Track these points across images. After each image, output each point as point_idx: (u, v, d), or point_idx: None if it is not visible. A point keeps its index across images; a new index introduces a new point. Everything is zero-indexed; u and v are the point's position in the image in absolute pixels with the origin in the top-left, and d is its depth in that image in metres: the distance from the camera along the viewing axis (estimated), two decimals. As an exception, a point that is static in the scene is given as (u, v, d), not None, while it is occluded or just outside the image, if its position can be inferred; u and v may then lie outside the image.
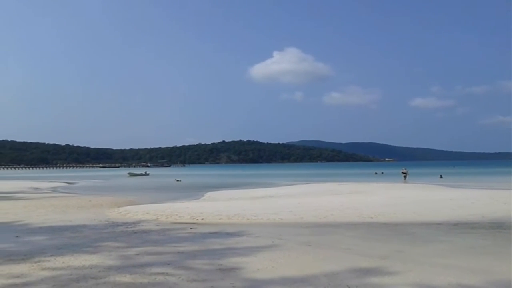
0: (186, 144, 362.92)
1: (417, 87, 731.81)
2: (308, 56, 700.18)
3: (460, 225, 13.60)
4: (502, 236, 11.67)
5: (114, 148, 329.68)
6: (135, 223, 14.64)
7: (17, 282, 6.67)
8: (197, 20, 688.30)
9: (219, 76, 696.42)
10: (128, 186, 47.53)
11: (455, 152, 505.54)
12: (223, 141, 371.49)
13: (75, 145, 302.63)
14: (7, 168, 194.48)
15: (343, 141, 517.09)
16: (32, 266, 7.81)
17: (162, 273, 7.16)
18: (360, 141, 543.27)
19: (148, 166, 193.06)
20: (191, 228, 13.19)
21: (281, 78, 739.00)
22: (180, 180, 57.79)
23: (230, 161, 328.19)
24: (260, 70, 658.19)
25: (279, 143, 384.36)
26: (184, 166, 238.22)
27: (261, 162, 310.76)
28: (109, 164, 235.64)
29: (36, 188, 40.79)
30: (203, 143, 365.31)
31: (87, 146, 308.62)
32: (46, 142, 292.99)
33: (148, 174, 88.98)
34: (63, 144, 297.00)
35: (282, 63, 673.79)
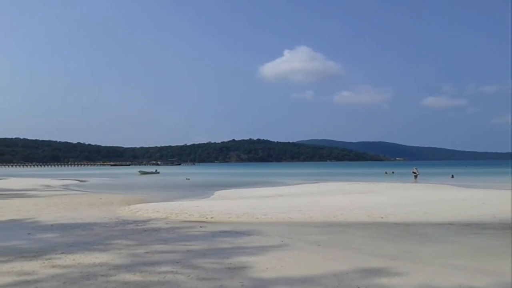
0: (196, 142, 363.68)
1: (428, 86, 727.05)
2: (318, 54, 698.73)
3: (471, 225, 13.48)
4: (514, 237, 11.54)
5: (125, 146, 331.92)
6: (145, 221, 14.71)
7: (29, 279, 6.74)
8: (208, 19, 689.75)
9: (230, 75, 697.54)
10: (138, 184, 47.81)
11: (467, 151, 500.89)
12: (233, 139, 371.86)
13: (86, 143, 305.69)
14: (19, 165, 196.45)
15: (354, 140, 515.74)
16: (43, 263, 7.88)
17: (172, 272, 7.19)
18: (371, 140, 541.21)
19: (158, 165, 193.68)
20: (200, 227, 13.22)
21: (292, 77, 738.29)
22: (189, 179, 58.02)
23: (240, 160, 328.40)
24: (271, 69, 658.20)
25: (289, 142, 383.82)
26: (194, 164, 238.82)
27: (270, 161, 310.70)
28: (120, 162, 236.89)
29: (48, 186, 41.16)
30: (213, 141, 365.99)
31: (98, 144, 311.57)
32: (58, 140, 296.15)
33: (158, 173, 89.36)
34: (75, 142, 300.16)
35: (293, 62, 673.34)
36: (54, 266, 7.63)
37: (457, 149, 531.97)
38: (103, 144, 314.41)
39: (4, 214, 16.94)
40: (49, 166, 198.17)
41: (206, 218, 15.37)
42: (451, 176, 53.17)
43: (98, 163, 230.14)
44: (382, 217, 15.15)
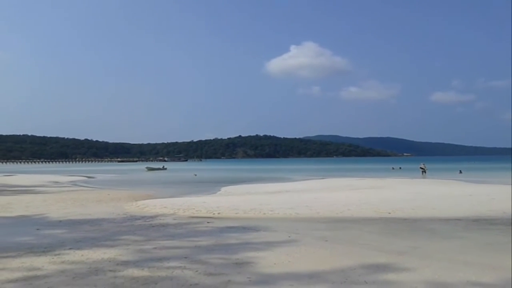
0: (203, 138, 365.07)
1: (437, 81, 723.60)
2: (325, 50, 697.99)
3: (479, 221, 13.39)
4: (523, 232, 11.46)
5: (132, 142, 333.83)
6: (152, 217, 14.77)
7: (38, 274, 6.80)
8: (214, 15, 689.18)
9: (236, 71, 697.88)
10: (145, 181, 48.02)
11: (475, 147, 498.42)
12: (240, 136, 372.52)
13: (94, 139, 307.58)
14: (27, 162, 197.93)
15: (360, 136, 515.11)
16: (52, 258, 7.95)
17: (180, 267, 7.22)
18: (378, 136, 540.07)
19: (165, 161, 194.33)
20: (208, 222, 13.25)
21: (298, 73, 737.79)
22: (196, 175, 58.22)
23: (247, 155, 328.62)
24: (277, 64, 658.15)
25: (295, 138, 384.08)
26: (201, 160, 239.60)
27: (277, 157, 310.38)
28: (127, 159, 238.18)
29: (56, 182, 41.42)
30: (219, 138, 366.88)
31: (105, 140, 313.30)
32: (66, 137, 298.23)
33: (165, 169, 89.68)
34: (82, 138, 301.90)
35: (299, 58, 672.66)
36: (63, 262, 7.69)
37: (465, 144, 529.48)
38: (111, 141, 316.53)
39: (14, 210, 17.09)
40: (57, 162, 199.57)
41: (213, 214, 15.41)
42: (459, 171, 52.82)
43: (106, 160, 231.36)
44: (389, 213, 15.10)
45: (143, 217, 14.63)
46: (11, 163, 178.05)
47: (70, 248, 8.97)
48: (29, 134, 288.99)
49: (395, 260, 7.75)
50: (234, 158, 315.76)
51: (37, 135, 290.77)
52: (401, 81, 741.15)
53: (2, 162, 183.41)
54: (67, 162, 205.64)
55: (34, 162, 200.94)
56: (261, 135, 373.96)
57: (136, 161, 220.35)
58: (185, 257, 8.00)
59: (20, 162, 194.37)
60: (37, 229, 12.08)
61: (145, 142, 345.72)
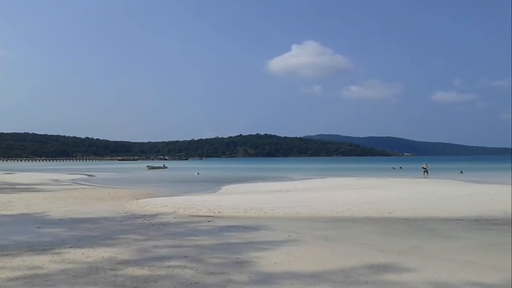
0: (204, 137, 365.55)
1: (439, 81, 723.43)
2: (327, 49, 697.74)
3: (480, 221, 13.37)
4: (524, 233, 11.44)
5: (133, 141, 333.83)
6: (153, 215, 14.77)
7: (39, 273, 6.79)
8: (215, 13, 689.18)
9: (237, 70, 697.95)
10: (146, 179, 48.03)
11: (476, 147, 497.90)
12: (240, 134, 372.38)
13: (95, 138, 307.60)
14: (28, 160, 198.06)
15: (361, 135, 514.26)
16: (53, 257, 7.95)
17: (180, 266, 7.21)
18: (379, 135, 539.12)
19: (165, 159, 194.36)
20: (208, 221, 13.25)
21: (300, 72, 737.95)
22: (199, 173, 58.34)
23: (247, 154, 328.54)
24: (279, 63, 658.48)
25: (296, 137, 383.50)
26: (202, 159, 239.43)
27: (277, 156, 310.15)
28: (128, 157, 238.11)
29: (57, 180, 41.46)
30: (220, 136, 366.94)
31: (106, 139, 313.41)
32: (66, 135, 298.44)
33: (166, 167, 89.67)
34: (83, 137, 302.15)
35: (301, 57, 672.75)
36: (63, 260, 7.69)
37: (467, 144, 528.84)
38: (111, 139, 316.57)
39: (14, 208, 17.10)
40: (58, 160, 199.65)
41: (214, 212, 15.41)
42: (460, 171, 52.79)
43: (106, 158, 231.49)
44: (390, 212, 15.10)
45: (143, 216, 14.63)
46: (12, 161, 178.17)
47: (70, 247, 8.97)
48: (30, 132, 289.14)
49: (396, 260, 7.74)
50: (234, 157, 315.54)
51: (38, 133, 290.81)
52: (403, 81, 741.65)
53: (3, 160, 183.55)
54: (68, 160, 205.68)
55: (35, 160, 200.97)
56: (262, 134, 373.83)
57: (137, 159, 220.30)
58: (186, 256, 8.00)
59: (21, 160, 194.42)
60: (38, 227, 12.09)
61: (145, 141, 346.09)
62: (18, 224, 12.89)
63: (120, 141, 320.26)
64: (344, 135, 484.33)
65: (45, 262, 7.52)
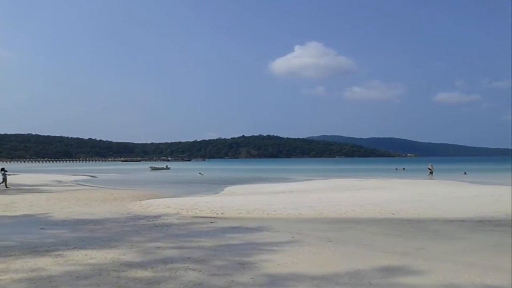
0: (207, 138, 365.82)
1: (441, 82, 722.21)
2: (330, 50, 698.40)
3: (484, 222, 13.33)
4: (528, 234, 11.39)
5: (136, 142, 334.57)
6: (156, 216, 14.78)
7: (42, 274, 6.79)
8: (217, 14, 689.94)
9: (240, 71, 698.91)
10: (149, 180, 48.04)
11: (479, 147, 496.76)
12: (243, 135, 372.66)
13: (98, 139, 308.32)
14: (31, 161, 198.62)
15: (364, 136, 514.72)
16: (56, 258, 7.95)
17: (183, 267, 7.21)
18: (381, 136, 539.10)
19: (168, 160, 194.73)
20: (211, 222, 13.25)
21: (303, 73, 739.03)
22: (203, 174, 58.40)
23: (250, 155, 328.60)
24: (281, 64, 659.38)
25: (298, 138, 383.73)
26: (204, 160, 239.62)
27: (280, 157, 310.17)
28: (131, 158, 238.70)
29: (60, 181, 41.51)
30: (223, 137, 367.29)
31: (109, 140, 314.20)
32: (70, 136, 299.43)
33: (169, 168, 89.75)
34: (86, 138, 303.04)
35: (304, 57, 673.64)
36: (66, 261, 7.70)
37: (470, 145, 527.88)
38: (114, 140, 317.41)
39: (17, 209, 17.14)
40: (61, 161, 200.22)
41: (217, 213, 15.41)
42: (463, 172, 52.61)
43: (109, 159, 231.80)
44: (393, 213, 15.06)
45: (146, 217, 14.64)
46: (15, 162, 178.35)
47: (74, 248, 8.98)
48: (34, 133, 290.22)
49: (400, 262, 7.72)
50: (237, 158, 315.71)
51: (41, 134, 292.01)
52: (405, 81, 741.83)
53: (7, 161, 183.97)
54: (71, 161, 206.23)
55: (38, 161, 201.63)
56: (265, 135, 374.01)
57: (140, 160, 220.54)
58: (189, 257, 7.99)
59: (25, 161, 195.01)
60: (41, 228, 12.11)
61: (148, 142, 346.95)
62: (22, 225, 12.92)
63: (123, 142, 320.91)
64: (347, 136, 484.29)
65: (48, 263, 7.53)
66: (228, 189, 30.25)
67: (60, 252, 8.48)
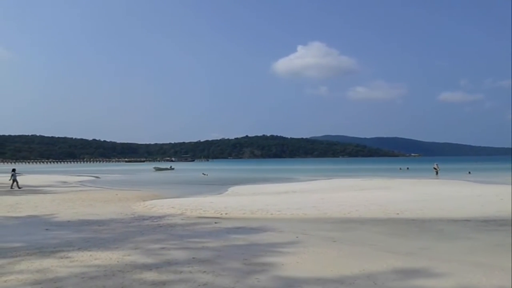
0: (210, 139, 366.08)
1: (445, 81, 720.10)
2: (332, 50, 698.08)
3: (488, 222, 13.29)
4: (533, 233, 11.35)
5: (139, 143, 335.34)
6: (160, 217, 14.81)
7: (47, 275, 6.80)
8: (220, 15, 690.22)
9: (243, 72, 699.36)
10: (153, 181, 48.13)
11: (483, 147, 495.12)
12: (247, 136, 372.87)
13: (102, 140, 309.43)
14: (36, 162, 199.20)
15: (368, 136, 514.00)
16: (61, 259, 7.97)
17: (187, 268, 7.22)
18: (385, 136, 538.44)
19: (172, 161, 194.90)
20: (215, 223, 13.26)
21: (305, 73, 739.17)
22: (207, 174, 58.45)
23: (253, 156, 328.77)
24: (284, 64, 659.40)
25: (302, 138, 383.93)
26: (208, 160, 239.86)
27: (284, 157, 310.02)
28: (135, 159, 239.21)
29: (64, 182, 41.64)
30: (226, 138, 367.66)
31: (113, 141, 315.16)
32: (74, 137, 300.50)
33: (173, 169, 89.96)
34: (90, 139, 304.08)
35: (306, 58, 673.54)
36: (71, 262, 7.72)
37: (473, 144, 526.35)
38: (118, 141, 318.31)
39: (22, 210, 17.20)
40: (65, 162, 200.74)
41: (221, 214, 15.43)
42: (468, 172, 52.43)
43: (113, 160, 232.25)
44: (397, 213, 15.04)
45: (151, 217, 14.67)
46: (20, 163, 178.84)
47: (78, 249, 9.00)
48: (38, 134, 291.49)
49: (405, 261, 7.71)
50: (241, 158, 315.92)
51: (46, 135, 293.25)
52: (409, 81, 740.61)
53: (11, 162, 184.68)
54: (75, 162, 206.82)
55: (43, 162, 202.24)
56: (268, 135, 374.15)
57: (144, 161, 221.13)
58: (193, 258, 8.01)
59: (29, 162, 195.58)
60: (46, 229, 12.15)
61: (152, 142, 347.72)
62: (27, 226, 12.96)
63: (127, 143, 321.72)
64: (350, 136, 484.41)
65: (53, 264, 7.55)
66: (232, 189, 30.28)
67: (65, 253, 8.50)
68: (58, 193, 26.89)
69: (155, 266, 7.38)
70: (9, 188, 30.38)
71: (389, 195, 22.15)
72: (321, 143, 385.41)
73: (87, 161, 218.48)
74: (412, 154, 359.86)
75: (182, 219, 14.21)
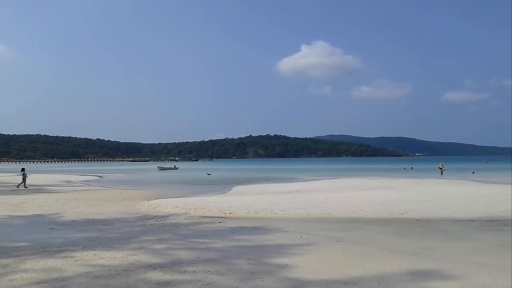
0: (214, 138, 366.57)
1: (449, 81, 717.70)
2: (336, 49, 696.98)
3: (493, 222, 13.25)
4: (538, 234, 11.29)
5: (143, 142, 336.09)
6: (164, 216, 14.83)
7: (52, 274, 6.82)
8: (224, 14, 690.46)
9: (247, 71, 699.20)
10: (157, 180, 48.18)
11: (488, 146, 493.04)
12: (250, 135, 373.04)
13: (106, 139, 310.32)
14: (40, 161, 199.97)
15: (372, 136, 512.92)
16: (66, 258, 7.99)
17: (192, 267, 7.22)
18: (389, 136, 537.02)
19: (176, 160, 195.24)
20: (219, 222, 13.27)
21: (309, 72, 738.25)
22: (211, 174, 58.52)
23: (257, 155, 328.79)
24: (288, 64, 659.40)
25: (306, 138, 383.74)
26: (212, 160, 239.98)
27: (288, 157, 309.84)
28: (139, 158, 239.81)
29: (69, 181, 41.79)
30: (230, 137, 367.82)
31: (117, 140, 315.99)
32: (78, 137, 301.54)
33: (177, 168, 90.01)
34: (94, 138, 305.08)
35: (310, 57, 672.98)
36: (76, 261, 7.74)
37: (478, 144, 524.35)
38: (122, 140, 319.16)
39: (27, 209, 17.26)
40: (70, 162, 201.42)
41: (225, 213, 15.43)
42: (471, 172, 52.24)
43: (117, 159, 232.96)
44: (402, 213, 15.00)
45: (155, 217, 14.69)
46: (24, 162, 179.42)
47: (83, 248, 9.02)
48: (42, 133, 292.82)
49: (409, 262, 7.68)
50: (244, 158, 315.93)
51: (50, 134, 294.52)
52: (413, 80, 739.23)
53: (16, 162, 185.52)
54: (79, 162, 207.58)
55: (47, 161, 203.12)
56: (272, 134, 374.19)
57: (148, 160, 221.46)
58: (197, 257, 8.01)
59: (34, 161, 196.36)
60: (50, 228, 12.19)
61: (156, 142, 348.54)
62: (31, 225, 13.00)
63: (131, 143, 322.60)
64: (354, 135, 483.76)
65: (58, 263, 7.57)
66: (236, 189, 30.27)
67: (69, 252, 8.52)
68: (62, 192, 26.98)
69: (159, 265, 7.38)
70: (22, 187, 30.65)
71: (394, 195, 22.10)
72: (325, 142, 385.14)
73: (91, 161, 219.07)
74: (417, 154, 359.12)
75: (186, 219, 14.22)
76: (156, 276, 6.70)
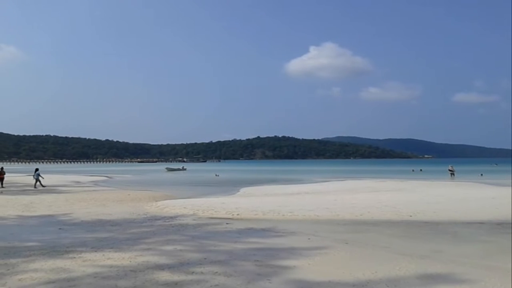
0: (222, 139, 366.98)
1: (459, 82, 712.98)
2: (345, 50, 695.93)
3: (503, 224, 13.10)
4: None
5: (152, 143, 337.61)
6: (172, 217, 14.86)
7: (60, 274, 6.86)
8: (233, 16, 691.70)
9: (255, 72, 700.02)
10: (165, 181, 48.35)
11: (498, 149, 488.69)
12: (258, 137, 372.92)
13: (115, 140, 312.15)
14: (50, 162, 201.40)
15: (380, 137, 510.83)
16: (75, 258, 8.04)
17: (199, 268, 7.22)
18: (398, 137, 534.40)
19: (184, 161, 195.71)
20: (227, 223, 13.27)
21: (318, 73, 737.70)
22: (218, 175, 58.61)
23: (265, 157, 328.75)
24: (297, 65, 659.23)
25: (314, 139, 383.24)
26: (219, 161, 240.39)
27: (296, 158, 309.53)
28: (147, 159, 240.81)
29: (78, 182, 42.00)
30: (238, 138, 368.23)
31: (126, 141, 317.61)
32: (87, 137, 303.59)
33: (185, 169, 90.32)
34: (103, 139, 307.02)
35: (319, 58, 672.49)
36: (84, 261, 7.78)
37: (487, 146, 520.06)
38: (131, 141, 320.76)
39: (37, 209, 17.39)
40: (79, 162, 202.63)
41: (232, 215, 15.43)
42: (480, 174, 51.84)
43: (126, 160, 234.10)
44: (410, 216, 14.90)
45: (163, 218, 14.73)
46: (34, 162, 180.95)
47: (92, 248, 9.07)
48: (52, 134, 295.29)
49: (418, 265, 7.62)
50: (252, 159, 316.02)
51: (60, 135, 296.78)
52: (422, 82, 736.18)
53: (26, 162, 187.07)
54: (88, 162, 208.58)
55: (56, 162, 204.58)
56: (280, 136, 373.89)
57: (156, 161, 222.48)
58: (205, 258, 8.02)
59: (43, 162, 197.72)
60: (60, 229, 12.27)
61: (164, 143, 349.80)
62: (41, 225, 13.11)
63: (140, 144, 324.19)
64: (363, 137, 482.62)
65: (67, 263, 7.62)
66: (244, 190, 30.28)
67: (78, 253, 8.57)
68: (71, 192, 27.15)
69: (167, 266, 7.40)
70: (40, 187, 31.13)
71: (402, 197, 21.96)
72: (333, 144, 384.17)
73: (100, 161, 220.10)
74: (425, 156, 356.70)
75: (194, 220, 14.24)
76: (164, 276, 6.71)
